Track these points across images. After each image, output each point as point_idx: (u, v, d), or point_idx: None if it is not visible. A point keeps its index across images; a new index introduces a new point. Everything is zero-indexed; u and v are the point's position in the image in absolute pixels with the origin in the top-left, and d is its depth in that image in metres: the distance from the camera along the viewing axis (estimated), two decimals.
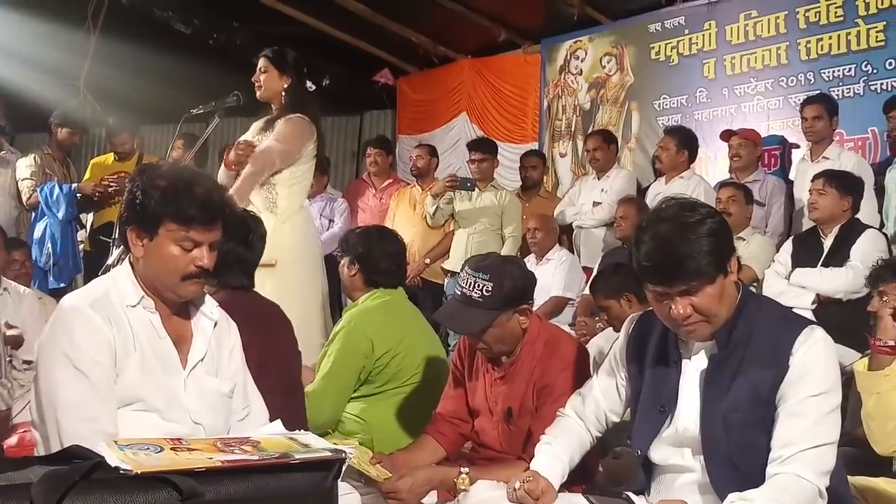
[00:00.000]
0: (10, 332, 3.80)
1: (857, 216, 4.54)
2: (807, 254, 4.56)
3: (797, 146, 5.81)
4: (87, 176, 6.42)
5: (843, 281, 4.28)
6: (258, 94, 4.30)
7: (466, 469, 2.59)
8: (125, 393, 2.07)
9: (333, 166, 8.80)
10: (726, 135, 5.68)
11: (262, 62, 4.30)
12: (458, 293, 2.75)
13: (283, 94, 4.27)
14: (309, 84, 4.37)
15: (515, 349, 2.79)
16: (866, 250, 4.23)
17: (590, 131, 6.99)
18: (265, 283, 3.80)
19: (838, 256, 4.39)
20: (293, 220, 4.22)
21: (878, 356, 2.87)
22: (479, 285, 2.67)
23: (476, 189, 6.20)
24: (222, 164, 4.30)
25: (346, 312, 3.51)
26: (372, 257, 3.44)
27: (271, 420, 2.24)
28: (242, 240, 3.02)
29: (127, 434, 1.94)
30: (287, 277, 3.99)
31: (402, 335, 3.36)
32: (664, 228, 2.07)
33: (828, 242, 4.48)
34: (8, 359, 3.08)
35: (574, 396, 2.52)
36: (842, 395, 2.09)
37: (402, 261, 3.59)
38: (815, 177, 4.59)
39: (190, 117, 4.29)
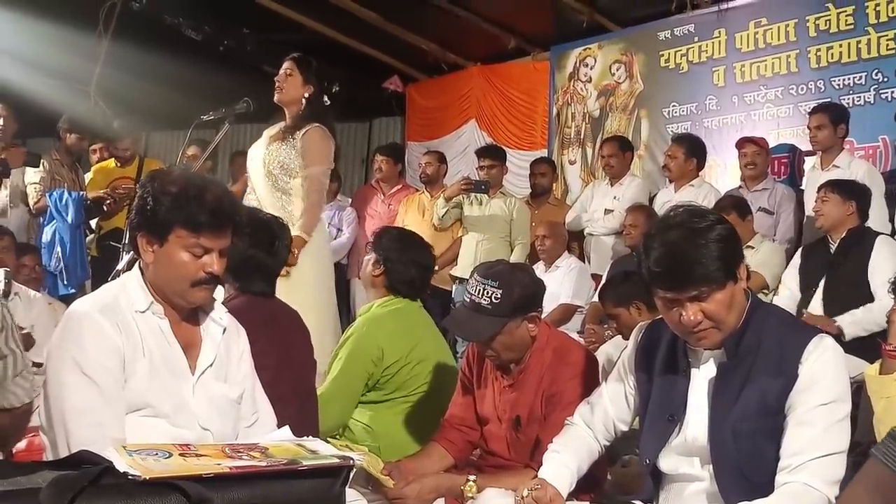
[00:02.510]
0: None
1: (868, 224, 4.53)
2: (815, 261, 4.56)
3: (812, 153, 5.78)
4: (89, 177, 6.44)
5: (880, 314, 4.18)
6: (277, 96, 4.28)
7: (474, 476, 2.58)
8: (133, 398, 2.07)
9: (342, 173, 8.81)
10: (742, 143, 5.66)
11: (288, 64, 4.28)
12: (467, 300, 2.74)
13: (303, 102, 4.26)
14: (325, 98, 4.35)
15: (524, 357, 2.78)
16: (890, 271, 4.16)
17: (606, 137, 6.97)
18: (281, 294, 3.81)
19: (846, 261, 4.38)
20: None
21: (888, 361, 2.88)
22: (488, 292, 2.67)
23: (487, 194, 6.21)
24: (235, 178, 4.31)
25: (360, 316, 3.49)
26: (398, 264, 3.37)
27: (283, 426, 2.24)
28: (266, 246, 3.02)
29: (135, 440, 1.94)
30: (304, 288, 3.98)
31: (413, 344, 3.33)
32: (673, 234, 2.07)
33: (834, 249, 4.48)
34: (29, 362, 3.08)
35: (582, 405, 2.52)
36: (852, 405, 2.09)
37: (428, 275, 3.50)
38: (819, 187, 4.62)
39: (200, 123, 4.29)
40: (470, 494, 2.52)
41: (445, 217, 6.25)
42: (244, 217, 2.95)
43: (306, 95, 4.26)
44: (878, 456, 1.09)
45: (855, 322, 4.13)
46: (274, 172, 4.22)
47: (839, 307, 4.31)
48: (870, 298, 4.25)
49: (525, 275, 2.81)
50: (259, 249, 2.99)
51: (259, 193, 4.23)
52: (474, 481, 2.55)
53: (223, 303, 2.87)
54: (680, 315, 2.07)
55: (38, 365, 3.72)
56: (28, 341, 3.90)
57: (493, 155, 6.56)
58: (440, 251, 6.26)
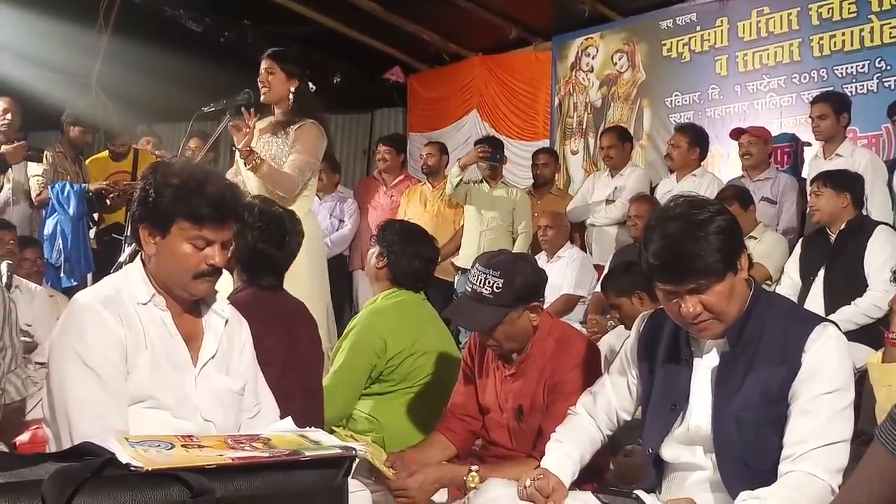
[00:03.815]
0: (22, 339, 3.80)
1: (868, 214, 4.52)
2: (815, 251, 4.55)
3: (809, 144, 5.78)
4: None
5: (878, 302, 4.15)
6: (264, 96, 4.20)
7: (476, 467, 2.59)
8: (136, 390, 2.07)
9: (344, 164, 8.81)
10: (736, 133, 5.66)
11: (267, 63, 4.20)
12: (469, 290, 2.75)
13: (291, 97, 4.20)
14: (311, 85, 4.29)
15: (526, 346, 2.78)
16: (885, 258, 4.17)
17: (604, 128, 6.95)
18: None
19: (845, 251, 4.38)
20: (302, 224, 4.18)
21: (890, 349, 2.88)
22: (489, 282, 2.67)
23: (502, 164, 6.28)
24: (234, 164, 4.27)
25: (365, 307, 3.50)
26: (402, 257, 3.39)
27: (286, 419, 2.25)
28: (276, 241, 3.03)
29: (138, 431, 1.94)
30: (296, 282, 3.92)
31: (416, 336, 3.34)
32: (673, 227, 2.06)
33: (833, 239, 4.47)
34: (25, 355, 3.10)
35: (585, 395, 2.52)
36: (855, 393, 2.08)
37: (431, 268, 3.52)
38: (812, 180, 4.59)
39: (201, 115, 4.27)
40: (472, 485, 2.52)
41: (459, 188, 6.18)
42: (257, 210, 2.98)
43: (292, 90, 4.19)
44: (882, 441, 1.08)
45: (844, 319, 4.09)
46: None
47: (839, 297, 4.31)
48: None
49: (527, 264, 2.81)
50: (269, 244, 3.00)
51: (250, 185, 4.19)
52: (476, 472, 2.55)
53: (231, 294, 2.88)
54: (679, 307, 2.07)
55: (42, 364, 3.74)
56: (29, 345, 3.90)
57: (491, 145, 6.55)
58: (442, 242, 6.27)
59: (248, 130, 4.01)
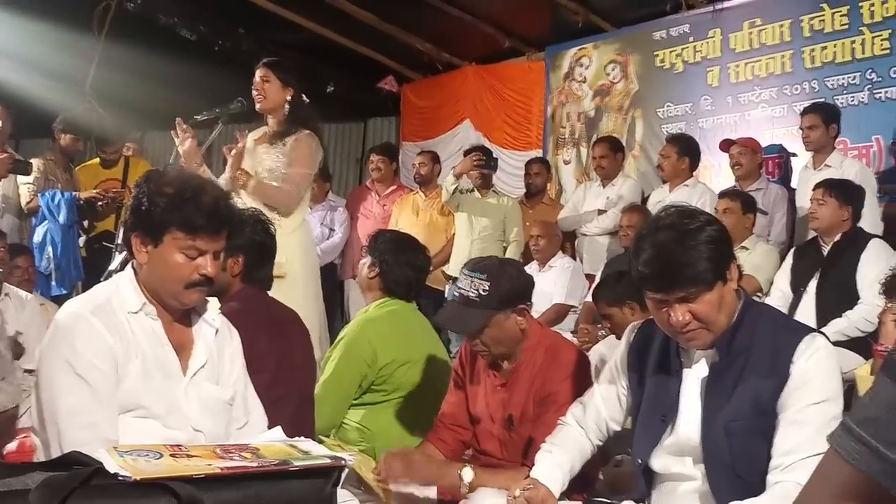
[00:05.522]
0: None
1: (860, 225, 4.52)
2: (806, 262, 4.55)
3: (795, 155, 5.81)
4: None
5: (869, 316, 4.14)
6: (259, 105, 4.21)
7: (468, 459, 2.60)
8: (126, 399, 2.06)
9: (337, 173, 8.81)
10: (725, 144, 5.68)
11: (262, 71, 4.19)
12: (457, 294, 2.76)
13: (286, 106, 4.20)
14: (304, 97, 4.29)
15: (516, 354, 2.78)
16: (878, 273, 4.16)
17: (597, 138, 6.97)
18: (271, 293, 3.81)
19: (838, 263, 4.38)
20: (297, 233, 4.18)
21: (879, 361, 2.89)
22: (476, 285, 2.68)
23: (495, 171, 6.31)
24: (226, 171, 4.27)
25: (356, 317, 3.51)
26: (394, 266, 3.41)
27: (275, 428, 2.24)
28: (268, 230, 3.09)
29: (127, 441, 1.94)
30: (292, 290, 3.92)
31: (407, 345, 3.34)
32: (663, 236, 2.07)
33: (827, 251, 4.46)
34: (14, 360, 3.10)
35: (575, 404, 2.52)
36: (844, 403, 2.09)
37: (422, 277, 3.54)
38: (816, 186, 4.58)
39: (195, 123, 4.26)
40: (466, 479, 2.53)
41: (454, 197, 6.20)
42: (245, 211, 3.04)
43: (288, 98, 4.19)
44: (836, 449, 1.10)
45: (836, 332, 4.09)
46: (262, 176, 4.19)
47: (831, 308, 4.31)
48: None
49: (513, 268, 2.83)
50: (265, 235, 3.07)
51: (244, 196, 4.18)
52: (470, 465, 2.57)
53: (225, 300, 2.90)
54: (669, 316, 2.08)
55: (30, 371, 3.73)
56: (17, 349, 3.89)
57: (483, 153, 6.55)
58: (434, 251, 6.26)
59: (239, 150, 4.14)
